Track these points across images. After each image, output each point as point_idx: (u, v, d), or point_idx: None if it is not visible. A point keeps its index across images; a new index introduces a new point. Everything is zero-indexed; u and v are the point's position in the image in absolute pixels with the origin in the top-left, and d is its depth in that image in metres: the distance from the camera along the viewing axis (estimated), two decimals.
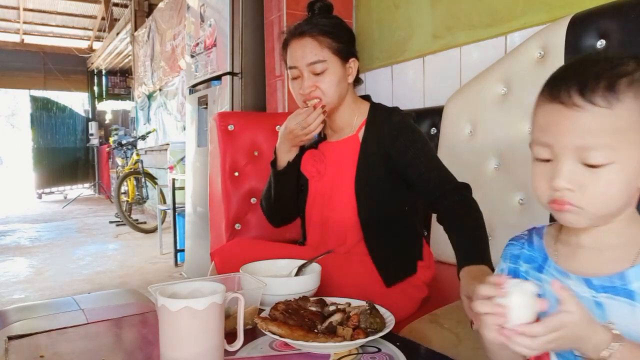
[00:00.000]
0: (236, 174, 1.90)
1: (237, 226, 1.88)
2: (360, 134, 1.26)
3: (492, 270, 1.01)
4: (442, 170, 1.17)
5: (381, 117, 1.24)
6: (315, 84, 1.20)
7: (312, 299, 0.92)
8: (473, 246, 1.01)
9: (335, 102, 1.23)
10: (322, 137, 1.33)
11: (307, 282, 1.00)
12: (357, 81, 1.30)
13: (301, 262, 1.10)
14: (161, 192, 5.40)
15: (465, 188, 1.13)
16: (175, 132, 5.91)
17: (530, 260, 0.67)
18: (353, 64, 1.25)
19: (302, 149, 1.35)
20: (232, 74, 2.55)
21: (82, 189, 10.43)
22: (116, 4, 8.62)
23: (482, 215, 1.08)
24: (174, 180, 3.76)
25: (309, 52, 1.19)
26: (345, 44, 1.23)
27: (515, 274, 0.68)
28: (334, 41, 1.20)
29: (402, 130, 1.20)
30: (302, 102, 1.24)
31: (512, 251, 0.71)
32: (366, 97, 1.33)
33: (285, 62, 1.27)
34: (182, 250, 3.65)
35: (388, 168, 1.21)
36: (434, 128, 1.80)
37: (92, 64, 10.71)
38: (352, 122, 1.28)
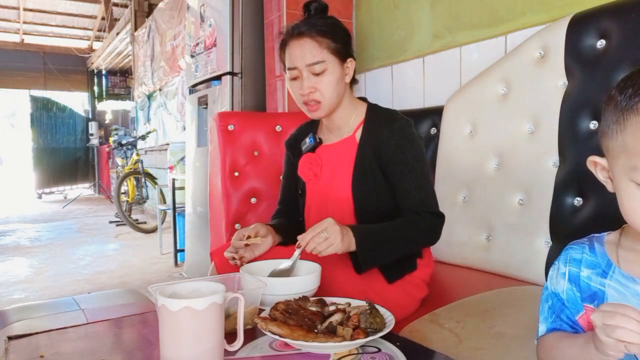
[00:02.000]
0: (236, 174, 1.90)
1: (237, 226, 1.89)
2: (358, 135, 1.26)
3: (360, 253, 1.09)
4: (425, 192, 1.19)
5: (381, 119, 1.24)
6: (315, 85, 1.20)
7: (312, 299, 0.92)
8: (376, 232, 1.11)
9: (334, 102, 1.23)
10: (318, 142, 1.33)
11: (307, 282, 1.00)
12: (354, 81, 1.30)
13: (301, 262, 1.10)
14: (161, 192, 5.40)
15: (438, 217, 1.19)
16: (175, 132, 5.91)
17: (592, 266, 0.67)
18: (350, 64, 1.25)
19: (300, 154, 1.35)
20: (232, 74, 2.55)
21: (82, 189, 10.43)
22: (116, 4, 8.61)
23: (420, 239, 1.19)
24: (174, 180, 3.76)
25: (308, 52, 1.19)
26: (342, 44, 1.23)
27: (576, 278, 0.67)
28: (332, 41, 1.20)
29: (400, 139, 1.19)
30: (302, 104, 1.24)
31: (573, 255, 0.69)
32: (363, 99, 1.33)
33: (283, 63, 1.26)
34: (182, 250, 3.65)
35: (382, 168, 1.21)
36: (434, 128, 1.80)
37: (92, 64, 10.71)
38: (349, 122, 1.29)
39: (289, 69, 1.23)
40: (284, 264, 1.08)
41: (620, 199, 0.61)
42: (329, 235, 1.02)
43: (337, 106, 1.26)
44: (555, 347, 0.66)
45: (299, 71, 1.20)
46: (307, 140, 1.34)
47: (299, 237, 1.04)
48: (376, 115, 1.26)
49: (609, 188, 0.65)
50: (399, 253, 1.16)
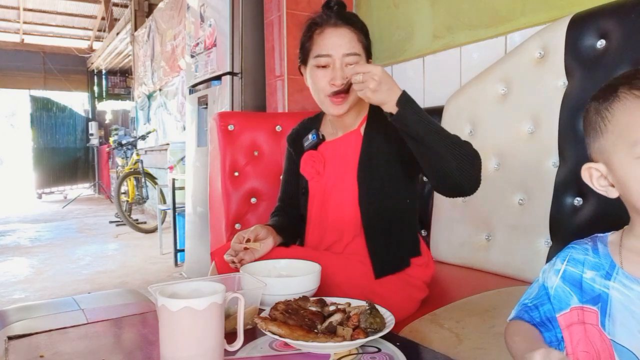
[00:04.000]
0: (236, 174, 1.90)
1: (237, 226, 1.89)
2: (362, 129, 1.26)
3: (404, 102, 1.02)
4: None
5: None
6: (347, 77, 1.15)
7: (312, 299, 0.92)
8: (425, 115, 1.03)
9: (356, 101, 1.21)
10: (320, 139, 1.32)
11: (307, 282, 1.00)
12: None
13: (301, 262, 1.10)
14: (161, 192, 5.40)
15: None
16: (175, 132, 5.91)
17: (596, 267, 0.66)
18: None
19: (302, 150, 1.35)
20: (232, 74, 2.55)
21: (82, 189, 10.43)
22: (116, 4, 8.62)
23: (461, 152, 1.01)
24: (174, 180, 3.76)
25: (347, 42, 1.16)
26: (370, 43, 1.23)
27: (575, 279, 0.67)
28: (365, 38, 1.20)
29: None
30: (325, 95, 1.19)
31: (574, 255, 0.69)
32: None
33: (306, 51, 1.22)
34: (182, 250, 3.65)
35: (391, 161, 1.20)
36: None
37: (92, 64, 10.71)
38: (355, 120, 1.28)
39: (320, 56, 1.17)
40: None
41: (632, 187, 0.60)
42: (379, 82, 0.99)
43: (355, 105, 1.23)
44: (511, 335, 0.69)
45: (332, 60, 1.17)
46: (310, 137, 1.33)
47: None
48: (380, 109, 1.26)
49: (610, 194, 0.64)
50: (434, 137, 1.01)
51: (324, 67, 1.18)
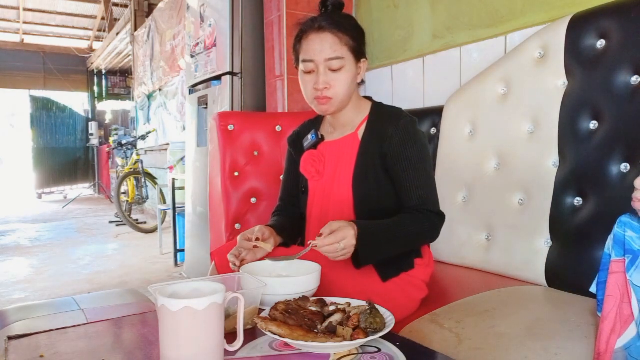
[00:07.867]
0: (236, 174, 1.90)
1: (237, 226, 1.89)
2: (360, 132, 1.26)
3: (360, 253, 1.07)
4: (427, 190, 1.19)
5: (385, 117, 1.24)
6: (330, 81, 1.18)
7: (312, 299, 0.92)
8: (378, 228, 1.10)
9: (345, 100, 1.22)
10: (320, 138, 1.33)
11: (307, 282, 1.00)
12: (361, 82, 1.30)
13: (301, 262, 1.10)
14: (161, 192, 5.40)
15: (439, 216, 1.19)
16: (175, 132, 5.91)
17: (637, 230, 0.82)
18: (363, 64, 1.25)
19: (302, 151, 1.35)
20: (232, 74, 2.55)
21: (82, 189, 10.43)
22: (116, 4, 8.62)
23: (421, 238, 1.19)
24: (174, 180, 3.76)
25: (329, 47, 1.18)
26: (360, 43, 1.23)
27: (618, 238, 0.84)
28: (352, 39, 1.20)
29: (404, 137, 1.19)
30: (313, 99, 1.22)
31: (622, 219, 0.84)
32: (368, 98, 1.33)
33: (297, 54, 1.24)
34: (182, 250, 3.65)
35: (385, 166, 1.21)
36: (434, 128, 1.80)
37: (92, 64, 10.72)
38: (354, 120, 1.29)
39: (305, 61, 1.20)
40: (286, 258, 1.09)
41: None
42: (345, 248, 1.02)
43: (346, 105, 1.25)
44: None
45: (316, 65, 1.19)
46: (310, 137, 1.34)
47: (316, 241, 1.02)
48: (380, 113, 1.26)
49: None
50: (398, 250, 1.16)
51: (309, 72, 1.21)
